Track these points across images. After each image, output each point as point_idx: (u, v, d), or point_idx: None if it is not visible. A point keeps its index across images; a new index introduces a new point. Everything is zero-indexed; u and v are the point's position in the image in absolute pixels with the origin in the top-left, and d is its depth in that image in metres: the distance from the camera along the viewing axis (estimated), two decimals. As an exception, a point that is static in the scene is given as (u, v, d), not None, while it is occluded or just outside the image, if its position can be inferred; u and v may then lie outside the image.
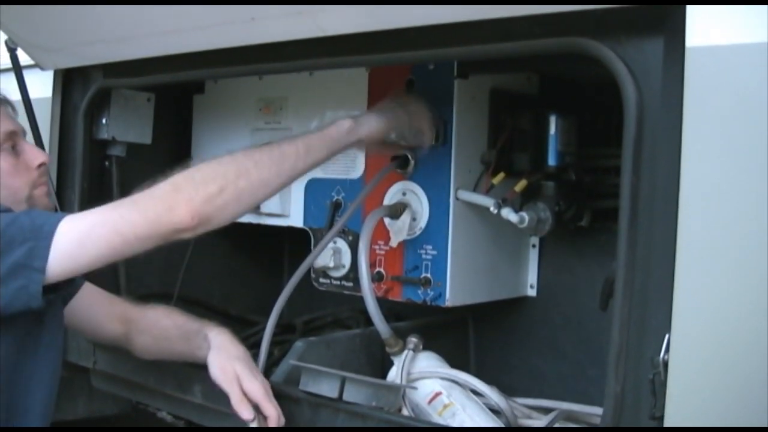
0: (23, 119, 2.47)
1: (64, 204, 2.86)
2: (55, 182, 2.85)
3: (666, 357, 1.58)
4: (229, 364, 2.12)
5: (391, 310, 2.59)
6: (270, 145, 2.05)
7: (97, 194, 2.92)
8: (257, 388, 2.08)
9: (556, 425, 2.25)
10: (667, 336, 1.58)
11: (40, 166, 2.18)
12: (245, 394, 2.08)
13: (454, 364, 2.36)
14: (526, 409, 2.39)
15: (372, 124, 2.18)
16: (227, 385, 2.09)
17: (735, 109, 1.52)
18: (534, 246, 2.70)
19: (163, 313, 2.37)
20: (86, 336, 2.56)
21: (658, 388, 1.59)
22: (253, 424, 2.04)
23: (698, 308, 1.56)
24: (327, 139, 2.09)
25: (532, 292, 2.71)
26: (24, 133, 2.22)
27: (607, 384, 1.68)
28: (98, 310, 2.39)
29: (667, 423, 1.57)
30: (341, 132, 2.11)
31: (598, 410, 2.28)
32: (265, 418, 2.06)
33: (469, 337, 2.83)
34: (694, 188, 1.55)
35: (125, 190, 2.91)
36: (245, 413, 2.04)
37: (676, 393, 1.56)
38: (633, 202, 1.65)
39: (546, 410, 2.39)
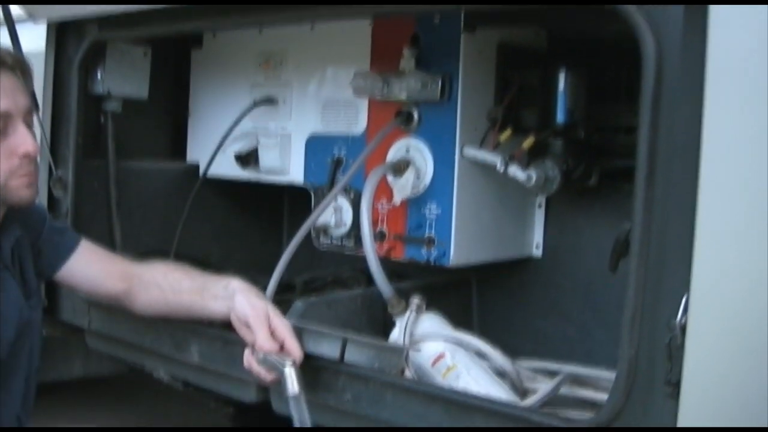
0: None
1: (58, 160, 2.80)
2: (49, 138, 2.80)
3: (684, 320, 1.53)
4: (260, 302, 2.10)
5: (393, 271, 2.53)
6: None
7: (92, 151, 2.89)
8: (286, 325, 2.05)
9: (563, 389, 2.21)
10: (685, 297, 1.52)
11: (24, 156, 2.03)
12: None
13: (456, 325, 2.32)
14: (530, 372, 2.35)
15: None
16: (257, 321, 2.05)
17: (761, 61, 1.45)
18: (540, 206, 2.65)
19: (173, 266, 2.33)
20: (84, 294, 2.51)
21: (674, 353, 1.54)
22: (276, 356, 2.00)
23: (720, 268, 1.50)
24: None
25: (537, 253, 2.66)
26: (28, 112, 2.07)
27: (621, 348, 1.63)
28: (97, 268, 2.33)
29: (685, 389, 1.52)
30: None
31: (605, 373, 2.26)
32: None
33: (473, 297, 2.79)
34: (717, 144, 1.48)
35: (121, 147, 2.91)
36: (274, 345, 2.01)
37: (694, 357, 1.51)
38: (650, 158, 1.59)
39: (551, 373, 2.35)
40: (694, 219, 1.51)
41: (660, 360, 1.57)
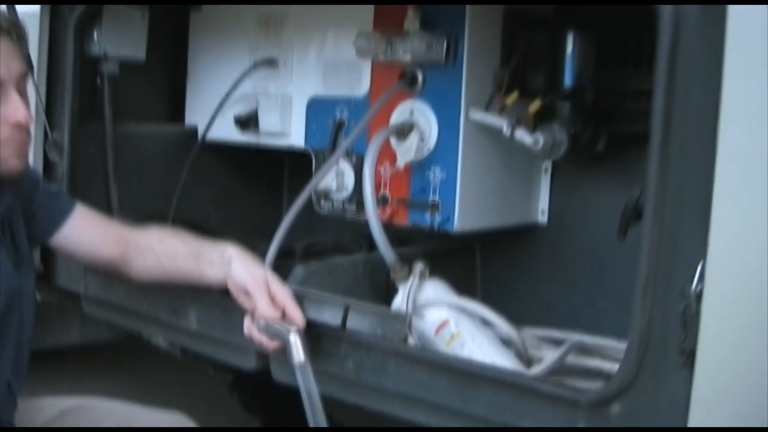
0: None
1: (54, 123, 2.76)
2: (44, 101, 2.75)
3: (699, 287, 1.48)
4: (258, 270, 2.06)
5: (395, 236, 2.49)
6: None
7: (88, 114, 2.84)
8: (287, 291, 2.03)
9: (569, 358, 2.18)
10: (701, 264, 1.48)
11: (15, 125, 1.94)
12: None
13: (460, 292, 2.28)
14: (536, 341, 2.32)
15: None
16: (256, 288, 2.01)
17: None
18: (546, 171, 2.60)
19: (169, 232, 2.29)
20: (80, 260, 2.46)
21: (689, 321, 1.50)
22: (279, 323, 1.97)
23: (738, 234, 1.46)
24: None
25: (543, 219, 2.61)
26: (21, 78, 1.96)
27: (633, 316, 1.59)
28: (93, 233, 2.29)
29: (700, 358, 1.48)
30: None
31: (612, 342, 2.23)
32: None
33: (476, 264, 2.75)
34: (737, 106, 1.44)
35: (118, 110, 2.86)
36: (275, 313, 1.98)
37: (709, 326, 1.47)
38: (665, 122, 1.53)
39: (556, 341, 2.32)
40: (711, 183, 1.47)
41: (674, 328, 1.53)
